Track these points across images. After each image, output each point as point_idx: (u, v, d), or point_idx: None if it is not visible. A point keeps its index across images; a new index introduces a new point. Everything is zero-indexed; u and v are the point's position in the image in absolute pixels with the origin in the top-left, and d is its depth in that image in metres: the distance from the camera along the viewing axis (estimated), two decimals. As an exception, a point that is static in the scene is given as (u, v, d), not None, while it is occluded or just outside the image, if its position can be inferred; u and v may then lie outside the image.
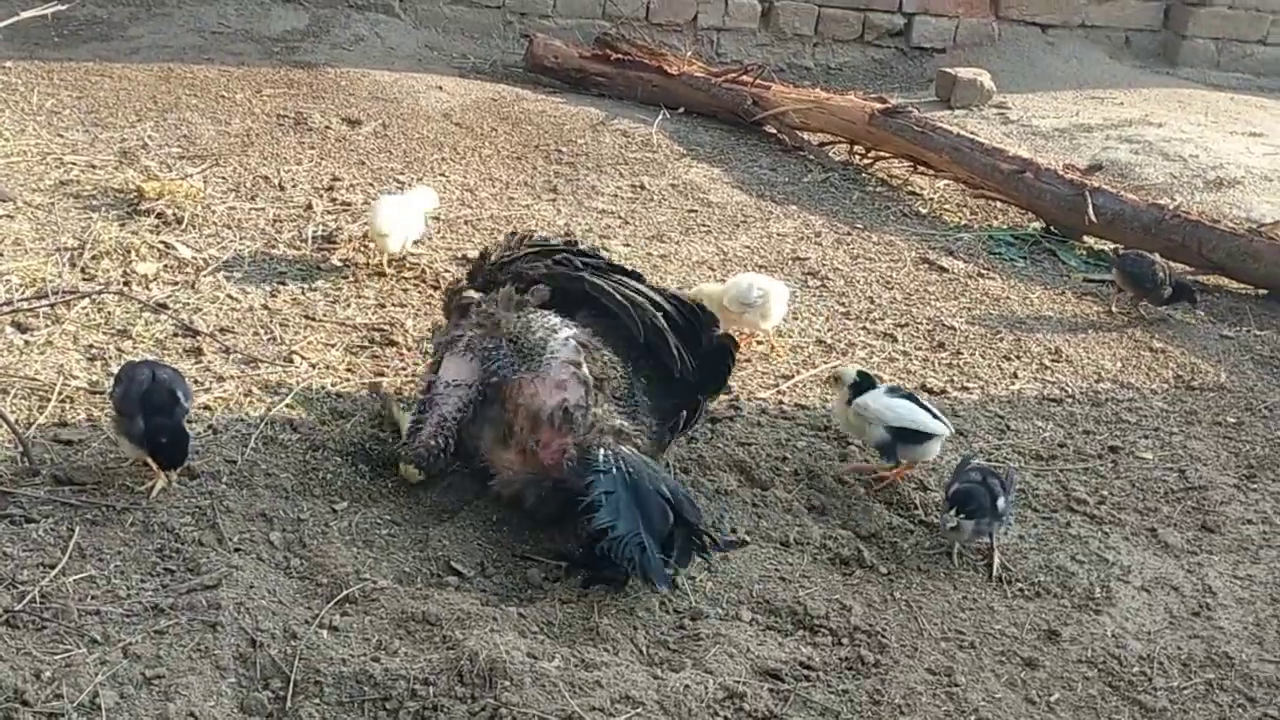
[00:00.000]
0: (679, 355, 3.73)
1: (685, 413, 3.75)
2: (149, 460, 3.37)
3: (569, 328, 3.68)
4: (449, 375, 3.62)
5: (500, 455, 3.55)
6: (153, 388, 3.37)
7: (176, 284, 4.76)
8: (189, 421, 3.49)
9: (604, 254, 4.22)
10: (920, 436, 3.82)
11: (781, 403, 4.46)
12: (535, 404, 3.50)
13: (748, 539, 3.62)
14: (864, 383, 3.94)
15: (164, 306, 4.53)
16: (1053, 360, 5.06)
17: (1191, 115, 8.88)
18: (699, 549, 3.37)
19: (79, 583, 3.02)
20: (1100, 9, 10.16)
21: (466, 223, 5.75)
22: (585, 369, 3.59)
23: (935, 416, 3.87)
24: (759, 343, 4.87)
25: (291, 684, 2.80)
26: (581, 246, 4.10)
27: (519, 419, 3.51)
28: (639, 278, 3.96)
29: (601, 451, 3.39)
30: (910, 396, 3.94)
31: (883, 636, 3.25)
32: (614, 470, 3.33)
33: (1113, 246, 6.29)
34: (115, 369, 4.05)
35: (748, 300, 4.63)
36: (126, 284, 4.67)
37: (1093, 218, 6.25)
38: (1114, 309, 5.61)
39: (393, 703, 2.77)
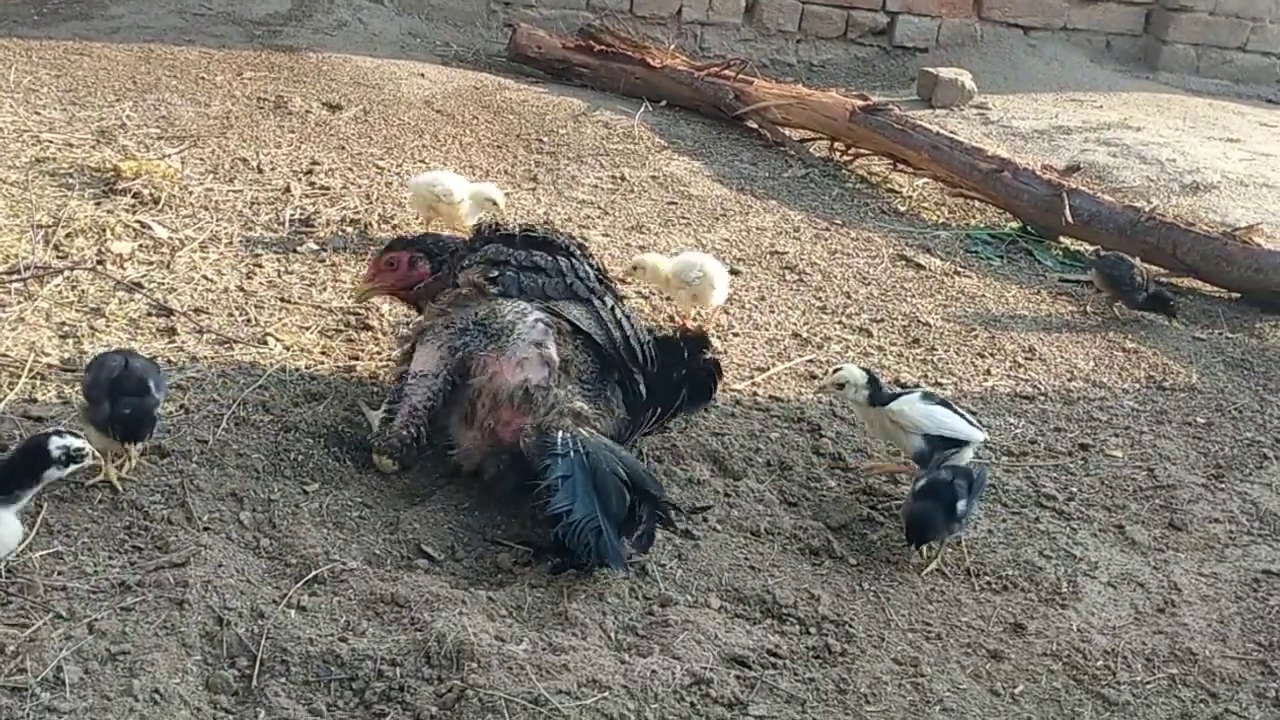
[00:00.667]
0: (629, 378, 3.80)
1: (657, 410, 3.79)
2: (114, 447, 3.30)
3: (537, 310, 3.69)
4: (418, 366, 3.66)
5: (464, 434, 3.59)
6: (124, 375, 3.30)
7: (152, 264, 4.74)
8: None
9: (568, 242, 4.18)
10: (957, 443, 3.76)
11: (756, 394, 4.47)
12: (496, 383, 3.53)
13: (711, 503, 3.70)
14: (872, 380, 3.89)
15: (138, 286, 4.50)
16: (1026, 358, 5.09)
17: (1170, 120, 8.94)
18: (664, 523, 3.42)
19: (46, 558, 3.00)
20: (1082, 12, 10.22)
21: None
22: (551, 350, 3.62)
23: (971, 423, 3.84)
24: (704, 322, 4.90)
25: (258, 663, 2.79)
26: (549, 237, 4.05)
27: (482, 397, 3.54)
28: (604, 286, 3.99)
29: (560, 434, 3.39)
30: (944, 403, 3.87)
31: (850, 626, 3.27)
32: (571, 453, 3.34)
33: (1090, 248, 6.33)
34: (88, 347, 4.04)
35: (686, 279, 4.71)
36: (101, 263, 4.64)
37: (1069, 218, 6.29)
38: (1089, 309, 5.65)
39: (359, 682, 2.77)
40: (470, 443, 3.55)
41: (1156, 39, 10.38)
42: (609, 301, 3.88)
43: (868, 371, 3.93)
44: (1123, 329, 5.50)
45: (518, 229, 4.06)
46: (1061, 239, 6.51)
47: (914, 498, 3.58)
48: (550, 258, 3.91)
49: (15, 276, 4.31)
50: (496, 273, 3.80)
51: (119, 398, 3.24)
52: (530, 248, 3.93)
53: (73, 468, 2.93)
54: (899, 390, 3.98)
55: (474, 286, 3.78)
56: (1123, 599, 3.59)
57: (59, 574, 2.96)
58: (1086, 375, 5.02)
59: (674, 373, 3.92)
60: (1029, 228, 6.57)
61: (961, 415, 3.85)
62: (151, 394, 3.30)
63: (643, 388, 3.79)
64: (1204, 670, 3.32)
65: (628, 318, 3.90)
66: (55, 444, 2.89)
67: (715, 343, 4.79)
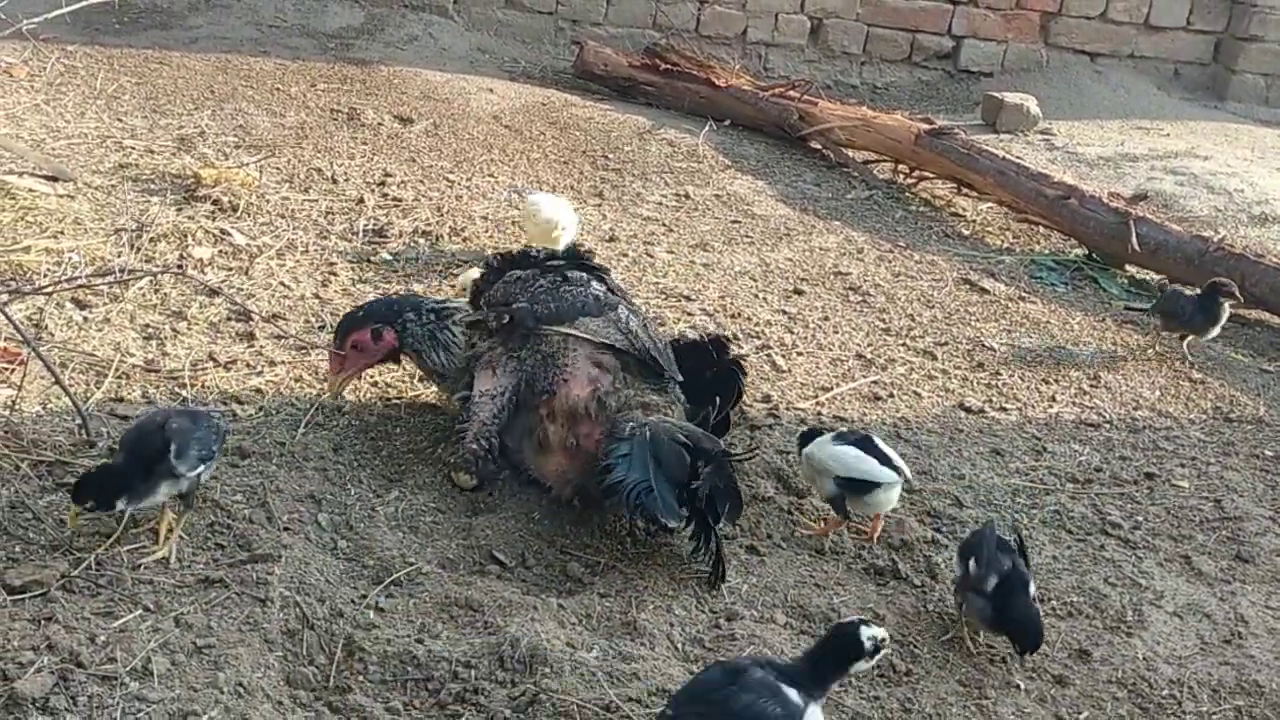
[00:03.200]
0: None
1: (719, 400, 3.83)
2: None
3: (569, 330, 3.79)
4: (480, 387, 3.76)
5: (545, 462, 3.66)
6: (150, 434, 3.11)
7: (231, 270, 4.86)
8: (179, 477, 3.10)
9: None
10: (868, 486, 3.55)
11: (820, 414, 4.50)
12: (569, 401, 3.62)
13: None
14: (810, 434, 3.77)
15: (218, 291, 4.62)
16: (1091, 385, 5.08)
17: (1238, 150, 8.86)
18: (720, 466, 3.47)
19: (133, 553, 3.10)
20: (1150, 40, 10.16)
21: (514, 223, 5.81)
22: (608, 356, 3.72)
23: (888, 462, 3.56)
24: None
25: (336, 661, 2.87)
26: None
27: (557, 420, 3.63)
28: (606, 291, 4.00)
29: (629, 425, 3.48)
30: (862, 441, 3.63)
31: (914, 647, 3.29)
32: (635, 436, 3.43)
33: (1157, 277, 6.31)
34: (170, 349, 4.16)
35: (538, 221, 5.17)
36: (182, 267, 4.76)
37: (1136, 246, 6.26)
38: (1158, 348, 5.53)
39: (435, 683, 2.84)
40: (557, 468, 3.62)
41: (1225, 68, 10.29)
42: (623, 312, 3.91)
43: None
44: (1189, 359, 5.47)
45: (527, 257, 4.06)
46: (1127, 267, 6.48)
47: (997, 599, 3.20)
48: (557, 279, 3.94)
49: (107, 278, 4.44)
50: (508, 318, 3.84)
51: (128, 456, 3.09)
52: (543, 274, 3.95)
53: (877, 659, 2.77)
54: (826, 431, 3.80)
55: (491, 328, 3.85)
56: (1189, 629, 3.58)
57: (146, 568, 3.06)
58: (1152, 404, 4.99)
59: (708, 371, 4.00)
60: (1094, 255, 6.55)
61: (881, 453, 3.59)
62: (168, 459, 3.05)
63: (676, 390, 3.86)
64: (1271, 703, 3.30)
65: (644, 326, 3.92)
66: (865, 633, 2.71)
67: (779, 360, 4.85)
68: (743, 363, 4.15)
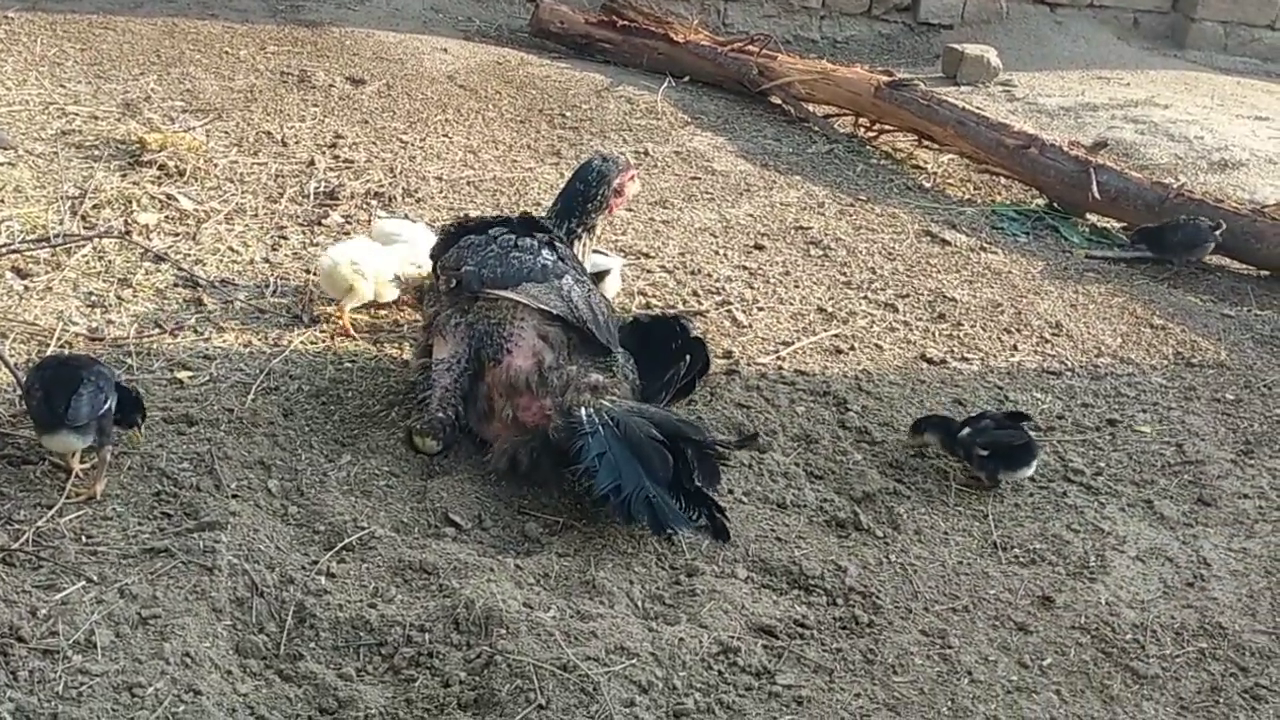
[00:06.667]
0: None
1: (684, 364, 3.84)
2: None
3: (518, 296, 3.72)
4: (439, 355, 3.72)
5: (486, 429, 3.64)
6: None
7: (178, 235, 4.75)
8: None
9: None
10: (602, 274, 4.38)
11: (781, 368, 4.46)
12: (510, 373, 3.58)
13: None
14: None
15: (164, 257, 4.51)
16: (1053, 334, 5.05)
17: (1198, 98, 8.85)
18: (717, 455, 3.56)
19: (75, 523, 3.02)
20: (1109, -11, 10.12)
21: (469, 183, 5.74)
22: (555, 329, 3.67)
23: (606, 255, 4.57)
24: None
25: (287, 628, 2.80)
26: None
27: (496, 392, 3.60)
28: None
29: (584, 411, 3.42)
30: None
31: (877, 598, 3.26)
32: (600, 429, 3.37)
33: (1118, 224, 6.31)
34: (114, 317, 4.06)
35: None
36: (128, 233, 4.65)
37: (1096, 195, 6.23)
38: None
39: (388, 648, 2.79)
40: (495, 437, 3.60)
41: (1184, 16, 10.27)
42: (568, 282, 3.80)
43: None
44: (1150, 305, 5.46)
45: (482, 223, 4.02)
46: (1088, 215, 6.45)
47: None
48: (508, 245, 3.86)
49: (46, 244, 4.32)
50: (455, 281, 3.79)
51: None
52: (495, 240, 3.89)
53: None
54: None
55: (441, 291, 3.83)
56: (1151, 573, 3.57)
57: (89, 539, 2.98)
58: (1114, 351, 4.98)
59: (673, 343, 3.97)
60: (1055, 204, 6.51)
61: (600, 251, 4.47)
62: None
63: (622, 361, 3.82)
64: (1234, 644, 3.29)
65: (587, 297, 3.82)
66: None
67: (739, 315, 4.80)
68: (704, 340, 4.12)
